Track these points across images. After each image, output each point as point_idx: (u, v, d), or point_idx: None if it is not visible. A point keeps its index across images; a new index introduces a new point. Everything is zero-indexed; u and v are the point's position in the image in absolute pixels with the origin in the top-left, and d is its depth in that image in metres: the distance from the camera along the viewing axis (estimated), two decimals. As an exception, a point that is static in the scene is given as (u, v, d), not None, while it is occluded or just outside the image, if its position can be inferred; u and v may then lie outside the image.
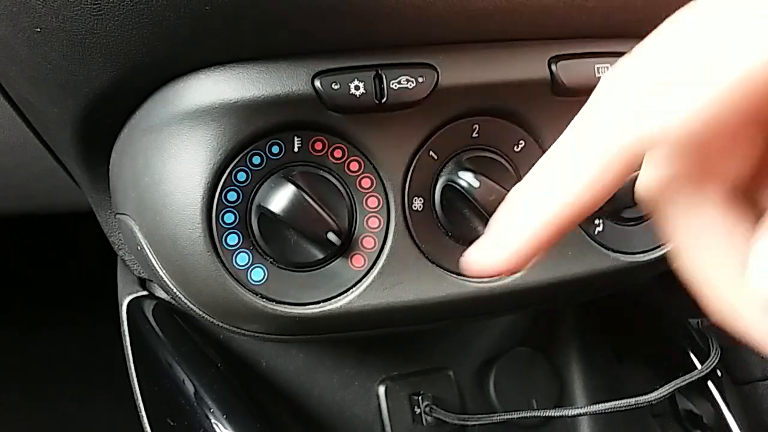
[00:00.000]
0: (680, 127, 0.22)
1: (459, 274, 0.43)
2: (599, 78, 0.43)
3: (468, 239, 0.43)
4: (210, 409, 0.48)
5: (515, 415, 0.55)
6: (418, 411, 0.58)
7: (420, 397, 0.58)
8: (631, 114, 0.23)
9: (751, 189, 0.25)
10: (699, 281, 0.25)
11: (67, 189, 0.55)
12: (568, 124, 0.46)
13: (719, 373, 0.57)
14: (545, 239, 0.26)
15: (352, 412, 0.60)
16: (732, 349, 0.60)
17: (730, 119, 0.21)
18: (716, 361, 0.56)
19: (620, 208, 0.46)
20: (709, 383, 0.56)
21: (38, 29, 0.36)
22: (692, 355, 0.58)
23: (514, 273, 0.27)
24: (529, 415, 0.56)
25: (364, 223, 0.41)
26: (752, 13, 0.20)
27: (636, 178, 0.44)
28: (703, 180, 0.24)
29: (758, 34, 0.20)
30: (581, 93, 0.42)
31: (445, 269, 0.43)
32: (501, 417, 0.55)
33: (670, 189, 0.25)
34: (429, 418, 0.58)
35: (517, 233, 0.27)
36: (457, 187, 0.41)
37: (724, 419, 0.56)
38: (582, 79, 0.41)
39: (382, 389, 0.59)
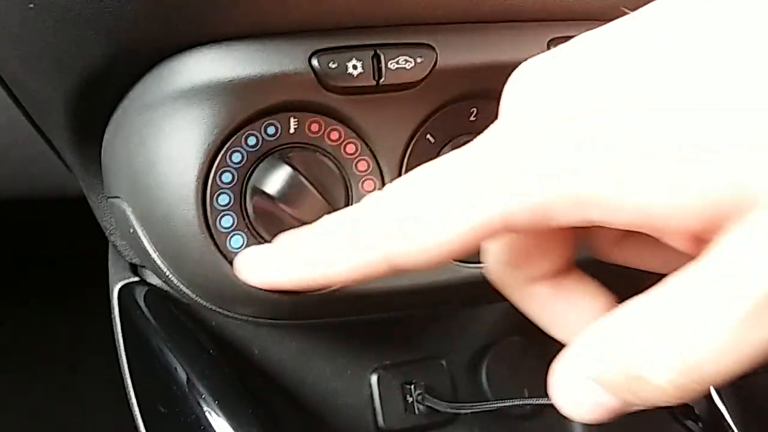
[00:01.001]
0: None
1: (454, 259, 0.43)
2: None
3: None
4: (202, 395, 0.47)
5: (508, 403, 0.55)
6: (410, 400, 0.58)
7: (412, 386, 0.58)
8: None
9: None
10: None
11: (57, 174, 0.55)
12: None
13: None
14: (300, 288, 0.31)
15: (345, 400, 0.59)
16: None
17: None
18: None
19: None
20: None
21: (31, 5, 0.35)
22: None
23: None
24: (521, 403, 0.56)
25: (360, 206, 0.41)
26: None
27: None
28: (523, 272, 0.29)
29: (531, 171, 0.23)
30: (579, 77, 0.42)
31: (440, 254, 0.42)
32: (493, 405, 0.55)
33: (501, 277, 0.30)
34: (421, 407, 0.58)
35: (280, 273, 0.32)
36: (454, 171, 0.41)
37: (718, 410, 0.56)
38: (580, 62, 0.41)
39: (374, 378, 0.59)
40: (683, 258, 0.22)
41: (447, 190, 0.25)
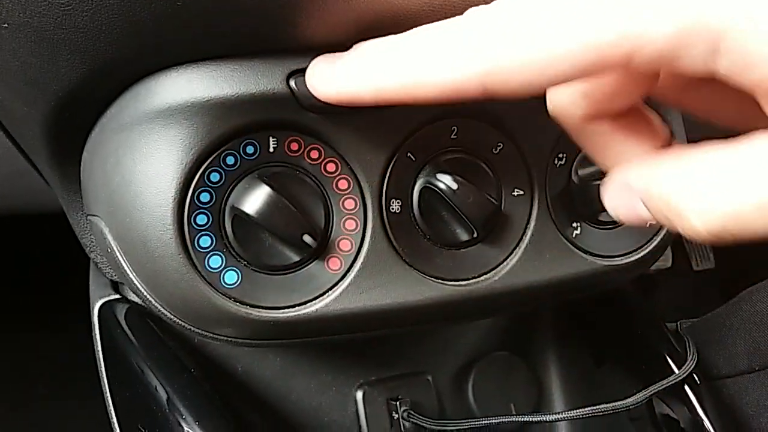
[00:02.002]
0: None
1: (437, 278, 0.43)
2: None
3: (446, 242, 0.43)
4: (182, 415, 0.47)
5: (493, 420, 0.55)
6: (396, 416, 0.58)
7: (398, 402, 0.58)
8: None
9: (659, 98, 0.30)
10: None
11: (38, 190, 0.54)
12: (546, 125, 0.46)
13: (696, 377, 0.57)
14: (381, 100, 0.29)
15: (330, 417, 0.59)
16: (717, 342, 0.61)
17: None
18: (693, 366, 0.56)
19: (598, 211, 0.46)
20: (686, 387, 0.56)
21: (5, 24, 0.35)
22: (669, 359, 0.58)
23: (340, 105, 0.30)
24: (507, 420, 0.55)
25: (341, 225, 0.40)
26: None
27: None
28: (596, 108, 0.28)
29: None
30: (560, 95, 0.42)
31: (422, 272, 0.42)
32: (479, 422, 0.55)
33: (569, 112, 0.29)
34: (407, 424, 0.58)
35: (362, 81, 0.29)
36: (436, 189, 0.41)
37: (701, 423, 0.56)
38: (560, 81, 0.41)
39: (359, 394, 0.59)
40: (758, 117, 0.22)
41: (573, 3, 0.22)
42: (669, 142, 0.28)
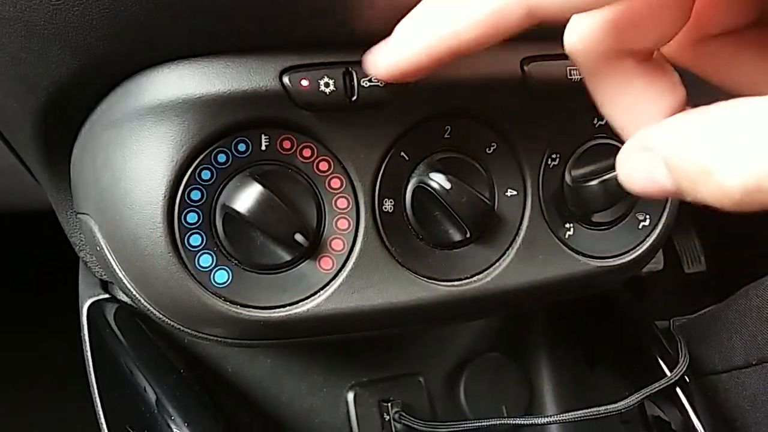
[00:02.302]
0: None
1: (429, 278, 0.42)
2: (571, 80, 0.43)
3: (439, 242, 0.43)
4: (171, 416, 0.46)
5: (485, 423, 0.55)
6: (387, 418, 0.58)
7: (389, 404, 0.57)
8: None
9: (681, 51, 0.28)
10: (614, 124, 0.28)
11: (28, 187, 0.54)
12: (539, 126, 0.46)
13: (687, 379, 0.57)
14: (434, 58, 0.28)
15: (321, 419, 0.58)
16: (712, 337, 0.61)
17: None
18: (684, 368, 0.56)
19: (591, 212, 0.46)
20: (678, 390, 0.56)
21: (-6, 19, 0.34)
22: (660, 361, 0.58)
23: (406, 79, 0.30)
24: (499, 422, 0.55)
25: (333, 224, 0.40)
26: None
27: (606, 180, 0.44)
28: (622, 42, 0.27)
29: None
30: (553, 95, 0.42)
31: (415, 272, 0.42)
32: (471, 425, 0.55)
33: (592, 46, 0.27)
34: (398, 425, 0.57)
35: (411, 46, 0.28)
36: (429, 188, 0.41)
37: (692, 425, 0.56)
38: (554, 81, 0.41)
39: (351, 396, 0.58)
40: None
41: None
42: (685, 103, 0.28)
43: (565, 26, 0.28)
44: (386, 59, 0.30)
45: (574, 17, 0.28)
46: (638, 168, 0.25)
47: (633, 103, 0.27)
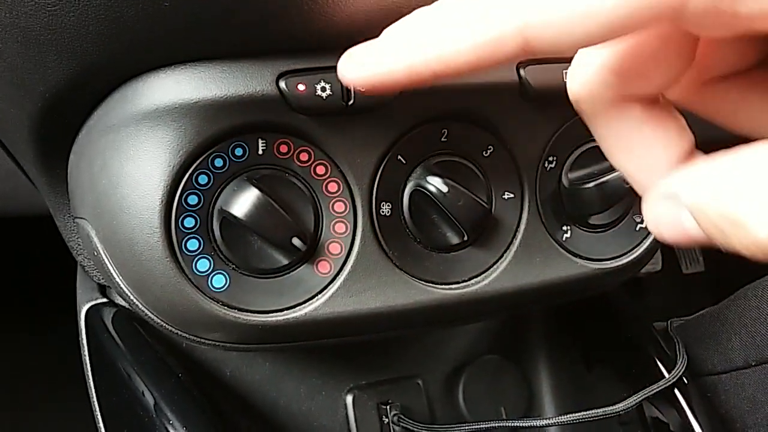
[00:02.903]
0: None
1: (427, 281, 0.42)
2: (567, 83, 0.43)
3: (436, 245, 0.43)
4: (169, 421, 0.46)
5: (484, 425, 0.55)
6: (386, 420, 0.58)
7: (388, 407, 0.57)
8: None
9: (688, 95, 0.28)
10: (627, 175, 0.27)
11: (26, 192, 0.54)
12: (536, 129, 0.46)
13: (685, 381, 0.57)
14: (413, 77, 0.26)
15: (319, 422, 0.58)
16: (712, 338, 0.61)
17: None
18: (683, 370, 0.56)
19: (588, 215, 0.46)
20: (676, 391, 0.56)
21: (-9, 25, 0.34)
22: (659, 362, 0.58)
23: (376, 92, 0.28)
24: (497, 424, 0.55)
25: (330, 228, 0.40)
26: None
27: (603, 182, 0.44)
28: (627, 87, 0.26)
29: None
30: (550, 98, 0.42)
31: (413, 276, 0.42)
32: (469, 427, 0.55)
33: (596, 92, 0.26)
34: (397, 428, 0.57)
35: (393, 60, 0.26)
36: (426, 192, 0.41)
37: (691, 426, 0.56)
38: (550, 84, 0.41)
39: (349, 398, 0.58)
40: None
41: None
42: (695, 147, 0.27)
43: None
44: (363, 68, 0.28)
45: (575, 64, 0.27)
46: (666, 218, 0.24)
47: (642, 150, 0.27)
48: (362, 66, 0.28)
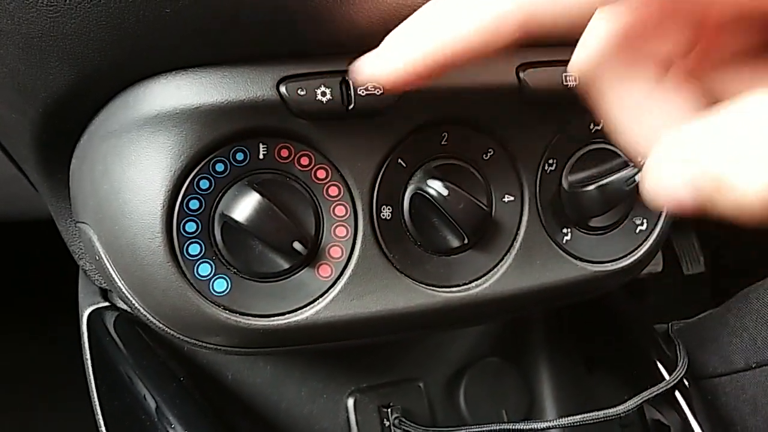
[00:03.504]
0: None
1: (428, 284, 0.43)
2: (567, 86, 0.43)
3: (437, 248, 0.43)
4: (171, 425, 0.46)
5: (485, 428, 0.55)
6: (387, 423, 0.58)
7: (389, 410, 0.57)
8: None
9: (698, 73, 0.27)
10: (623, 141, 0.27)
11: (27, 196, 0.54)
12: (536, 131, 0.46)
13: (686, 383, 0.57)
14: (429, 68, 0.27)
15: (321, 425, 0.59)
16: (712, 340, 0.61)
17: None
18: (683, 372, 0.56)
19: (588, 217, 0.46)
20: (677, 393, 0.56)
21: (-8, 31, 0.34)
22: (659, 364, 0.58)
23: (394, 90, 0.29)
24: (498, 427, 0.55)
25: (331, 232, 0.40)
26: None
27: (603, 185, 0.44)
28: (634, 57, 0.26)
29: None
30: (549, 101, 0.42)
31: (413, 279, 0.42)
32: (471, 430, 0.55)
33: (603, 65, 0.26)
34: (398, 431, 0.57)
35: (405, 53, 0.27)
36: (426, 195, 0.41)
37: (692, 429, 0.56)
38: (550, 87, 0.41)
39: (350, 402, 0.58)
40: None
41: None
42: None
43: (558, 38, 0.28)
44: (375, 65, 0.29)
45: (585, 34, 0.27)
46: (662, 188, 0.23)
47: (649, 120, 0.26)
48: (376, 63, 0.28)
